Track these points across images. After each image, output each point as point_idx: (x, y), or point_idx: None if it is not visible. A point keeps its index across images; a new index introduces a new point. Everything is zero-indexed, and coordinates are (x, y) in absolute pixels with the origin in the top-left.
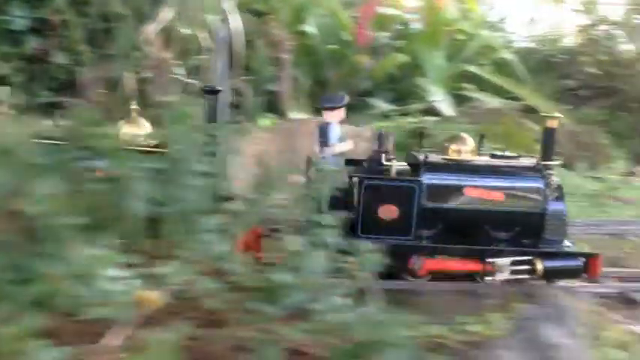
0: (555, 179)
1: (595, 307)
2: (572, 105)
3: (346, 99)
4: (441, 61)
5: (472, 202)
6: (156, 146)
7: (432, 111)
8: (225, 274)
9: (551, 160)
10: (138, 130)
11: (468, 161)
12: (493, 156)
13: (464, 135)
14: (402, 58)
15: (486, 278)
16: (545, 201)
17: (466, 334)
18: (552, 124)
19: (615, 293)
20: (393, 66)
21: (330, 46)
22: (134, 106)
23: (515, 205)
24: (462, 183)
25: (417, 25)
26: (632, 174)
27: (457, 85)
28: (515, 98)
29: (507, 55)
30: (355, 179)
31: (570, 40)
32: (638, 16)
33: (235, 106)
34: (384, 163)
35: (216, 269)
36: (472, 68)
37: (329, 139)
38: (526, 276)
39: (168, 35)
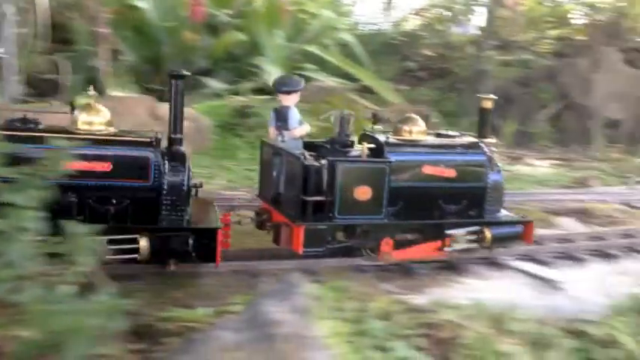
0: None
1: (369, 280)
2: (410, 86)
3: (302, 83)
4: (280, 41)
5: (429, 178)
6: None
7: (266, 90)
8: None
9: (488, 137)
10: (97, 117)
11: (422, 141)
12: (439, 135)
13: (414, 116)
14: (239, 36)
15: (445, 249)
16: (487, 174)
17: (211, 317)
18: (487, 104)
19: (394, 265)
20: (231, 44)
21: (165, 23)
22: (92, 92)
23: (464, 180)
24: (421, 161)
25: (258, 3)
26: None
27: (297, 65)
28: (355, 79)
29: (347, 37)
30: (325, 162)
31: (411, 24)
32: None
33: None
34: (356, 145)
35: None
36: (312, 48)
37: (289, 123)
38: (476, 245)
39: None
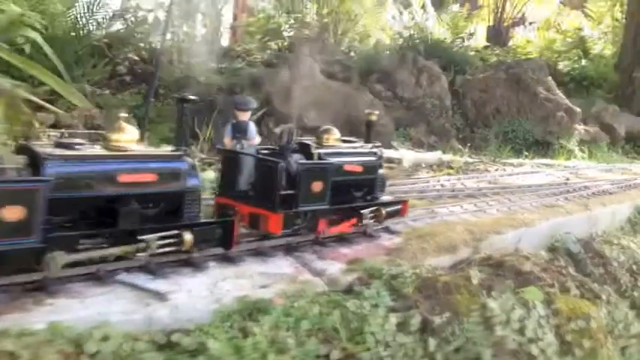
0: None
1: None
2: (117, 90)
3: (255, 103)
4: None
5: (347, 174)
6: None
7: None
8: None
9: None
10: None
11: (339, 146)
12: (345, 141)
13: (331, 127)
14: None
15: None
16: (378, 169)
17: None
18: (372, 117)
19: None
20: None
21: None
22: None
23: (367, 172)
24: (343, 162)
25: None
26: None
27: None
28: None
29: (34, 35)
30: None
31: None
32: None
33: None
34: (312, 150)
35: None
36: None
37: (248, 135)
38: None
39: None
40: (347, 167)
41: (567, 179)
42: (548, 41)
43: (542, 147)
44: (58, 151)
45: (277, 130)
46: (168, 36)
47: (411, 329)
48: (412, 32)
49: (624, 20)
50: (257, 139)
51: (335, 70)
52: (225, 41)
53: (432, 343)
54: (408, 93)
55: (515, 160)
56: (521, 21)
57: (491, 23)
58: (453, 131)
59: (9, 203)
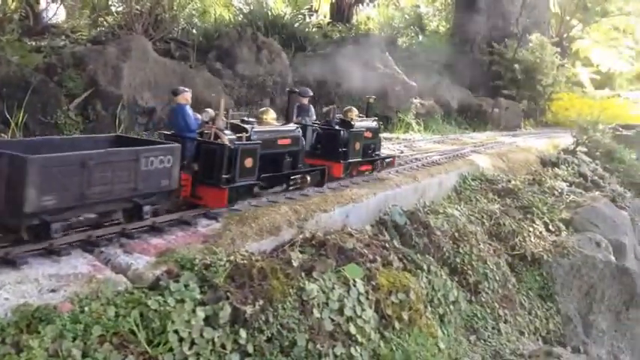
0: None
1: None
2: None
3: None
4: None
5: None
6: None
7: None
8: None
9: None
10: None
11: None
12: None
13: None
14: None
15: None
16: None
17: None
18: (371, 100)
19: None
20: None
21: None
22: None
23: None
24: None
25: None
26: None
27: None
28: None
29: None
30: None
31: None
32: None
33: None
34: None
35: None
36: None
37: (310, 114)
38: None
39: None
40: (366, 134)
41: (401, 152)
42: (387, 18)
43: (382, 121)
44: (257, 127)
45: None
46: None
47: (220, 322)
48: (252, 8)
49: None
50: (313, 117)
51: (171, 48)
52: (58, 18)
53: (243, 334)
54: (249, 70)
55: None
56: None
57: (334, 0)
58: None
59: (248, 156)
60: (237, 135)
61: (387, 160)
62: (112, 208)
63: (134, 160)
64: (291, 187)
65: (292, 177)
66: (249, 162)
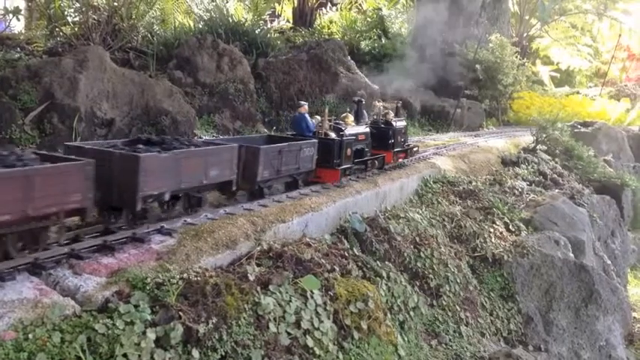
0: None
1: None
2: None
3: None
4: None
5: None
6: None
7: None
8: None
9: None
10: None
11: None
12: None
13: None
14: None
15: None
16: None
17: None
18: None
19: None
20: None
21: None
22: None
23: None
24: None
25: None
26: None
27: None
28: None
29: None
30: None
31: None
32: None
33: None
34: (391, 122)
35: None
36: None
37: (364, 118)
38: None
39: None
40: (403, 130)
41: None
42: (350, 21)
43: None
44: (348, 128)
45: (381, 107)
46: None
47: (172, 343)
48: (212, 15)
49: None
50: (367, 119)
51: (130, 58)
52: (14, 29)
53: (196, 354)
54: (210, 78)
55: None
56: (326, 2)
57: (296, 5)
58: (258, 115)
59: (347, 148)
60: (340, 133)
61: (415, 149)
62: (286, 180)
63: (298, 150)
64: (368, 169)
65: (369, 161)
66: (348, 151)
